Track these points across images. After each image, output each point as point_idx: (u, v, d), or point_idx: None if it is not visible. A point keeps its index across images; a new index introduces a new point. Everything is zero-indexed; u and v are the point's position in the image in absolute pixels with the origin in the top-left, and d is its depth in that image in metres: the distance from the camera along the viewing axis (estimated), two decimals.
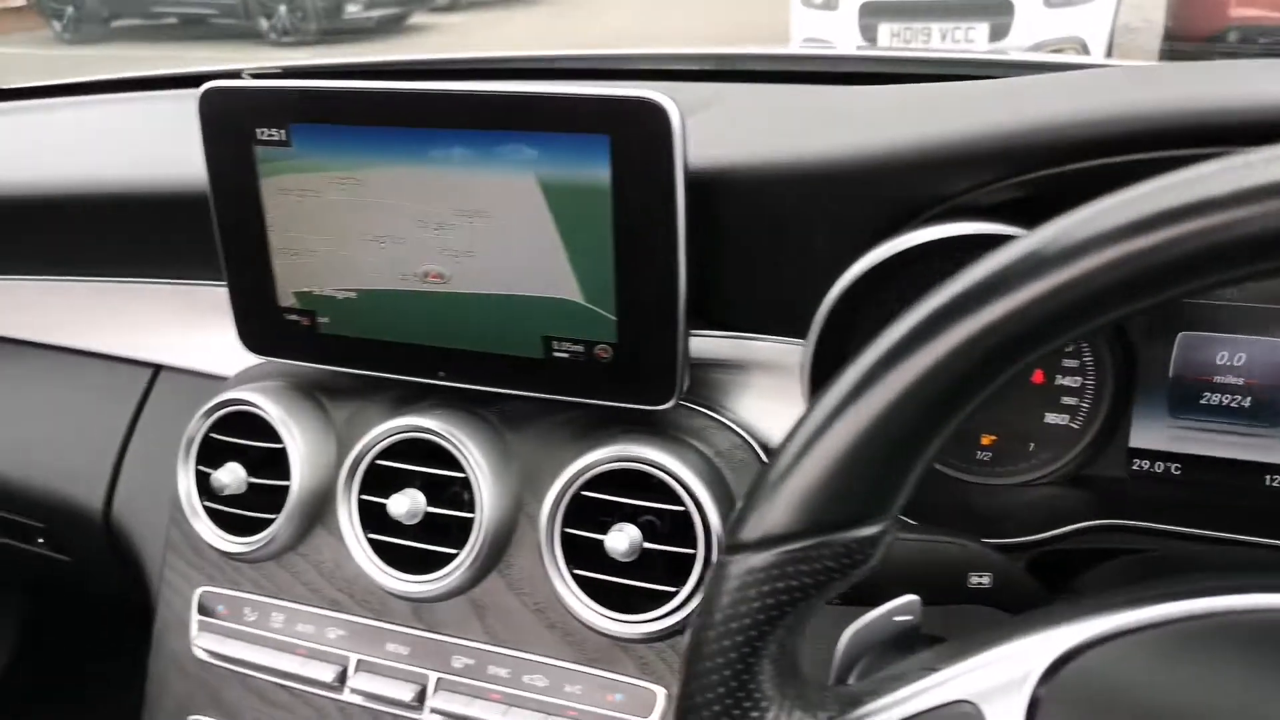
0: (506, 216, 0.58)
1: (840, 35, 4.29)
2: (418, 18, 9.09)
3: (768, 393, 0.62)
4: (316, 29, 8.07)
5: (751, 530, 0.34)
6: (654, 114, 0.53)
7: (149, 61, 6.94)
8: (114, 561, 0.82)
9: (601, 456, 0.59)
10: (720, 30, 6.14)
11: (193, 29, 8.70)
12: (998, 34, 4.17)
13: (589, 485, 0.59)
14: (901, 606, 0.41)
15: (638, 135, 0.53)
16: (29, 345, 0.87)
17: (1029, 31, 4.14)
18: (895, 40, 4.29)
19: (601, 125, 0.54)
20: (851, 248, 0.55)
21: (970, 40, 4.20)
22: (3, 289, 0.87)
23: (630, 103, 0.53)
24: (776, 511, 0.34)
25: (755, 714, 0.35)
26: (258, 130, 0.62)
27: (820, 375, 0.57)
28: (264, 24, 8.19)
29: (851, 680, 0.41)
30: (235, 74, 0.71)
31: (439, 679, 0.62)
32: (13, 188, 0.81)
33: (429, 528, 0.63)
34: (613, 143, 0.54)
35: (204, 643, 0.68)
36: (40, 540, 0.89)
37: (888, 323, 0.33)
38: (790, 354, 0.60)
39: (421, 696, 0.62)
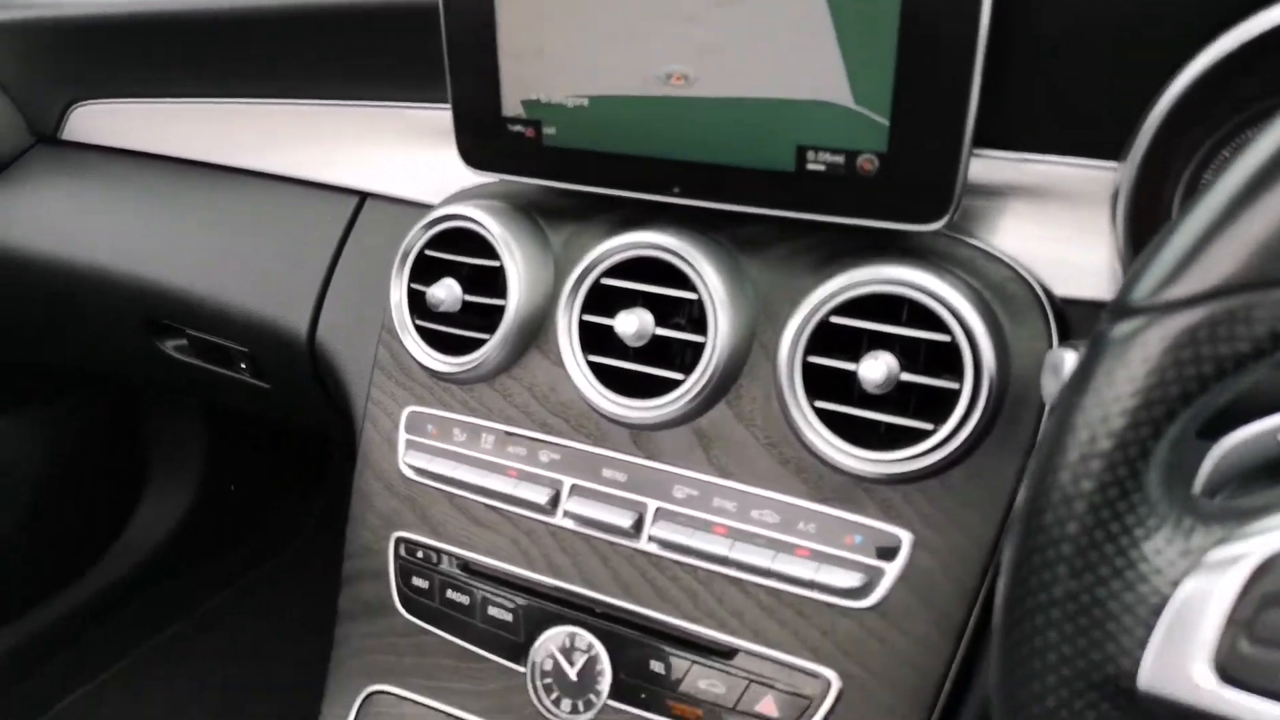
0: (769, 3, 0.52)
1: None
2: None
3: (1050, 224, 0.55)
4: None
5: (1167, 286, 0.28)
6: None
7: None
8: (315, 388, 0.82)
9: (857, 279, 0.54)
10: None
11: None
12: None
13: (837, 312, 0.54)
14: None
15: None
16: (237, 172, 0.87)
17: None
18: None
19: None
20: (1185, 44, 0.47)
21: None
22: (213, 113, 0.87)
23: None
24: (1213, 260, 0.28)
25: (1133, 519, 0.29)
26: None
27: (1142, 200, 0.49)
28: None
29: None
30: None
31: (658, 508, 0.59)
32: (229, 4, 0.80)
33: (650, 353, 0.60)
34: None
35: (412, 460, 0.67)
36: (243, 366, 0.91)
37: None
38: (1088, 180, 0.53)
39: (639, 524, 0.59)
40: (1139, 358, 0.28)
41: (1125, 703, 0.29)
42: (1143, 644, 0.29)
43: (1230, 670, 0.28)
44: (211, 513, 1.44)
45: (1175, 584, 0.29)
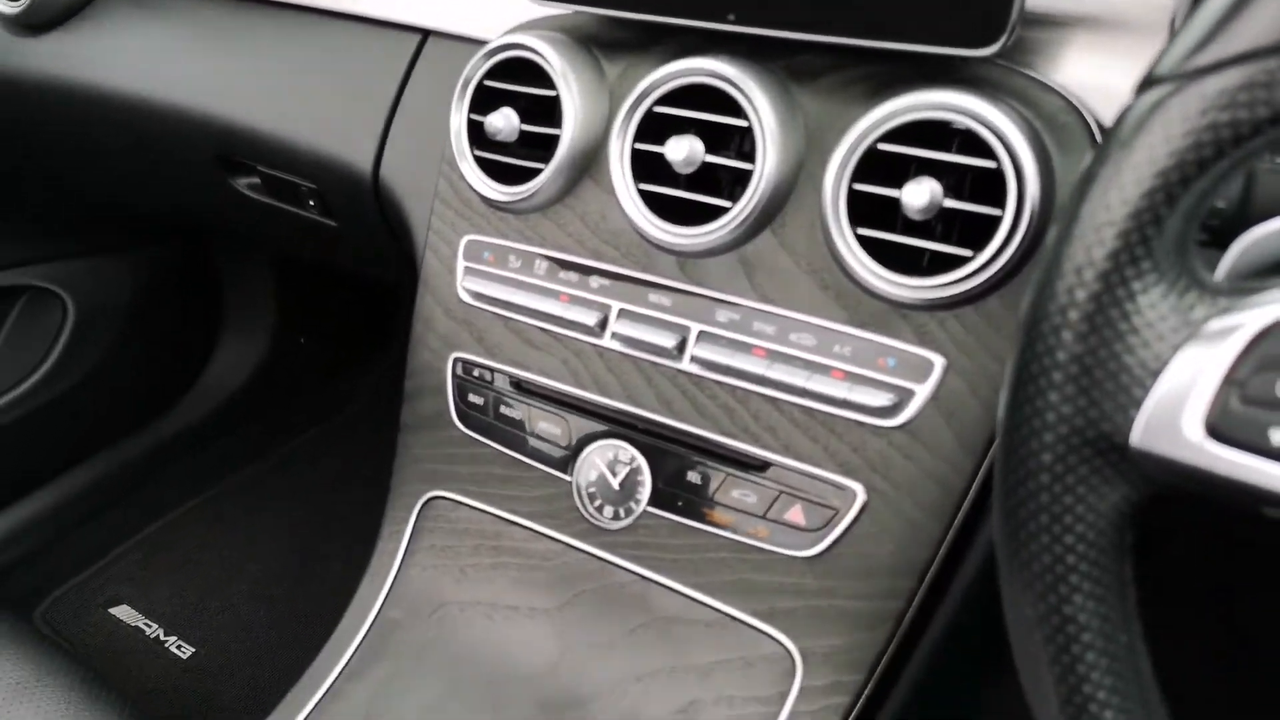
0: None
1: None
2: None
3: (1108, 56, 0.54)
4: None
5: (1192, 56, 0.29)
6: None
7: None
8: (379, 224, 0.86)
9: (906, 104, 0.54)
10: None
11: None
12: None
13: (885, 139, 0.55)
14: None
15: None
16: (305, 10, 0.89)
17: None
18: None
19: None
20: None
21: None
22: None
23: None
24: (1238, 27, 0.28)
25: (1139, 285, 0.31)
26: None
27: None
28: None
29: None
30: None
31: (701, 331, 0.62)
32: None
33: (699, 181, 0.61)
34: None
35: (469, 285, 0.71)
36: (311, 203, 0.94)
37: None
38: (1149, 8, 0.52)
39: (682, 346, 0.62)
40: (1158, 123, 0.29)
41: (1117, 459, 0.31)
42: (1138, 404, 0.31)
43: (1220, 428, 0.30)
44: (283, 364, 1.51)
45: (1176, 349, 0.30)
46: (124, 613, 1.26)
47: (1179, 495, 0.31)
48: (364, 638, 0.66)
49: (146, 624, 1.23)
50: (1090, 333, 0.31)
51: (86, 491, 1.34)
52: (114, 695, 0.67)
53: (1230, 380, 0.30)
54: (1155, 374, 0.31)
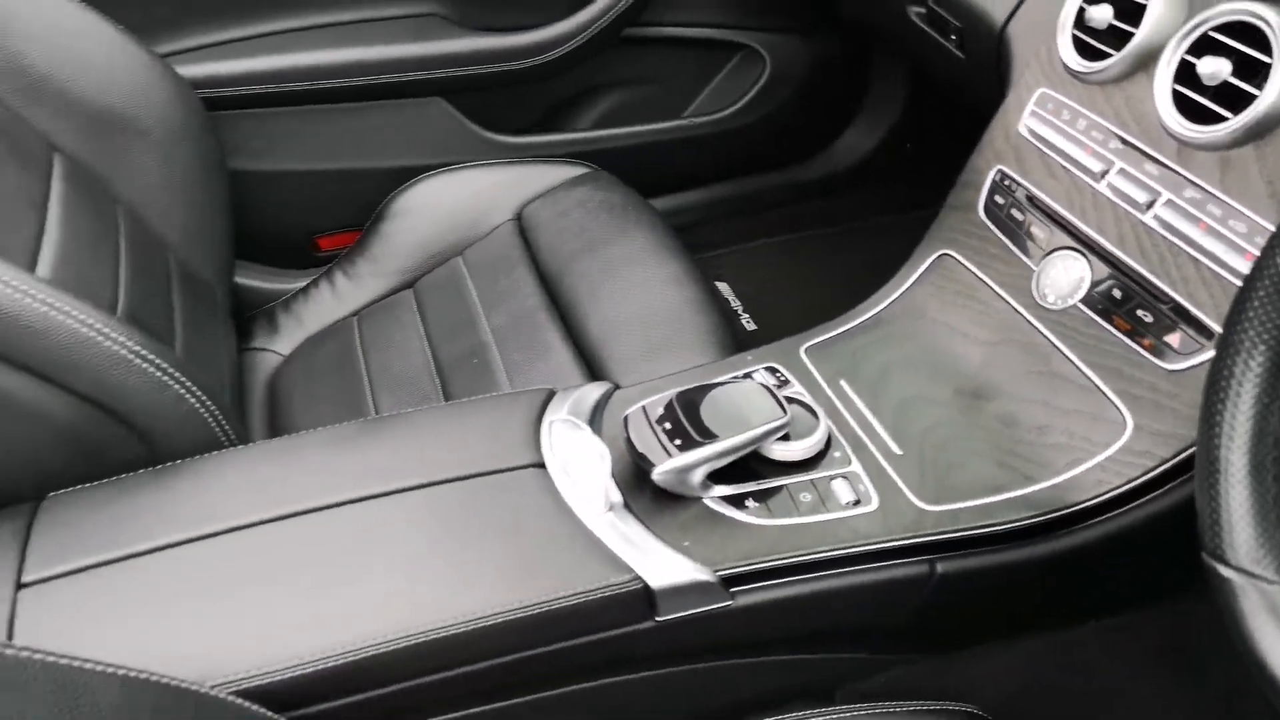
0: None
1: None
2: None
3: None
4: None
5: None
6: None
7: None
8: (991, 69, 1.17)
9: None
10: None
11: None
12: None
13: None
14: None
15: None
16: None
17: None
18: None
19: None
20: None
21: None
22: None
23: None
24: None
25: None
26: None
27: None
28: None
29: None
30: None
31: (1169, 199, 0.87)
32: None
33: (1216, 93, 0.84)
34: None
35: (1029, 123, 1.01)
36: (953, 37, 1.27)
37: None
38: None
39: (1150, 204, 0.88)
40: None
41: None
42: None
43: None
44: (889, 155, 1.91)
45: None
46: (724, 289, 1.84)
47: None
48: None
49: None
50: None
51: (728, 199, 1.90)
52: None
53: None
54: None
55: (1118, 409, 0.86)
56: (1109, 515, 0.84)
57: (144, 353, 0.84)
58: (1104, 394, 0.87)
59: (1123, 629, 1.08)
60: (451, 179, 1.54)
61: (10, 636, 0.68)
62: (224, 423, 0.91)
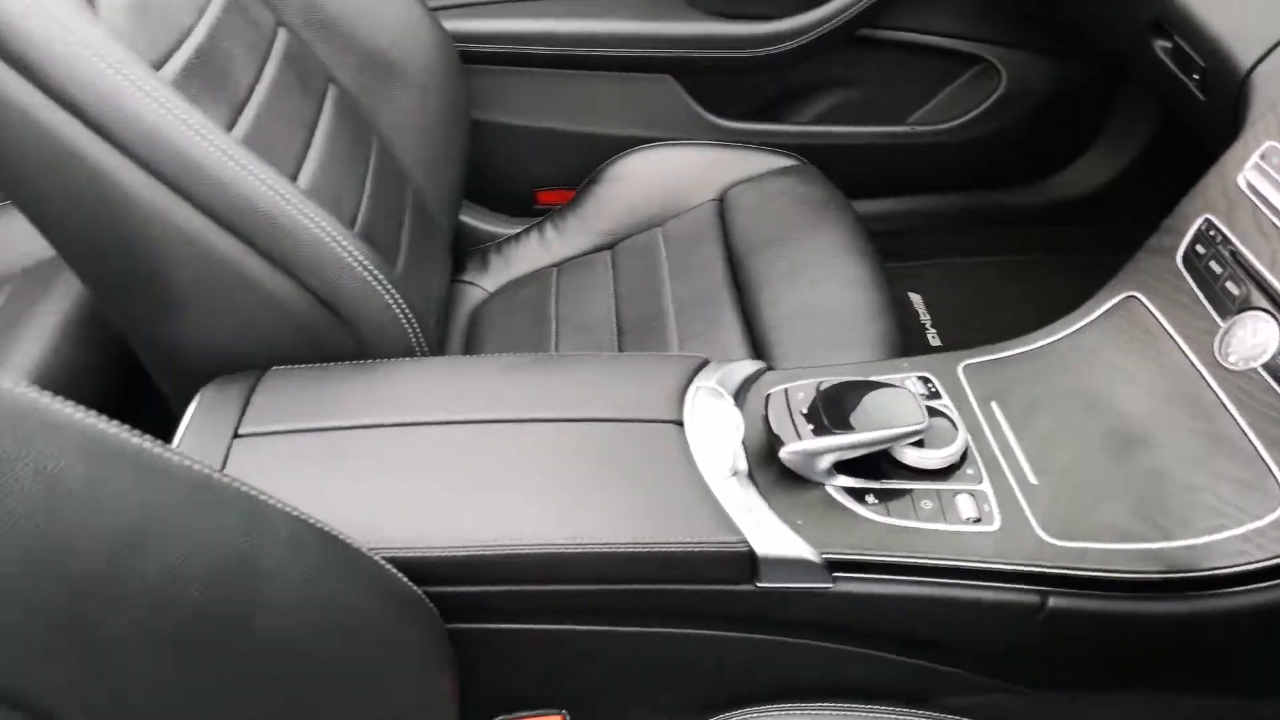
0: None
1: None
2: None
3: None
4: None
5: None
6: None
7: None
8: (1229, 108, 1.11)
9: None
10: None
11: None
12: None
13: None
14: None
15: None
16: None
17: None
18: None
19: None
20: None
21: None
22: None
23: None
24: None
25: None
26: None
27: None
28: None
29: None
30: None
31: None
32: None
33: None
34: None
35: (1248, 176, 0.97)
36: (1195, 76, 1.21)
37: None
38: None
39: None
40: None
41: None
42: None
43: None
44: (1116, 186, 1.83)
45: None
46: (916, 300, 1.83)
47: None
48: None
49: None
50: None
51: (938, 211, 1.88)
52: None
53: None
54: None
55: (1278, 483, 0.82)
56: (1246, 588, 0.81)
57: (367, 264, 0.98)
58: (1267, 465, 0.84)
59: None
60: (666, 153, 1.63)
61: (221, 470, 0.83)
62: (420, 334, 1.04)
